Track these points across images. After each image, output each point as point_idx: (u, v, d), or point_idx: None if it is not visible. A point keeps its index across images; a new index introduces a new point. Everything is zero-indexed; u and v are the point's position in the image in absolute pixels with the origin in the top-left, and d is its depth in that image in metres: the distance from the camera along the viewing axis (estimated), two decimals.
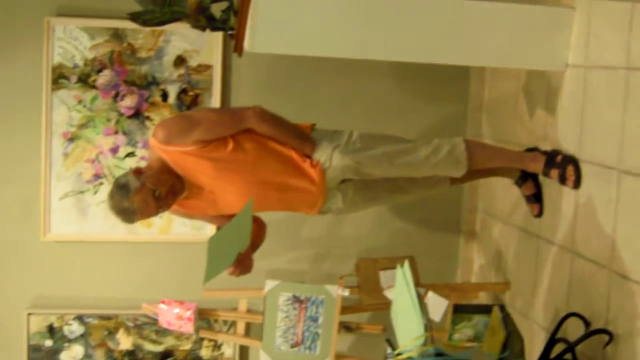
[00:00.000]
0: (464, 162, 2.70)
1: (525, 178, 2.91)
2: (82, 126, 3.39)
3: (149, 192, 2.58)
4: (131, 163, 3.42)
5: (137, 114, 3.42)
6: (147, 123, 3.41)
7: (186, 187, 2.71)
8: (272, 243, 3.32)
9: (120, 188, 2.58)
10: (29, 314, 3.45)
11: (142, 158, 3.42)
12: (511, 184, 2.98)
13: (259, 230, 2.91)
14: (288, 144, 2.72)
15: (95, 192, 3.43)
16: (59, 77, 3.37)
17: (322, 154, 2.72)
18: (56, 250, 3.49)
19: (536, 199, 2.93)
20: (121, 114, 3.42)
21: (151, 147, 2.71)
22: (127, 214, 2.60)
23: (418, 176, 2.82)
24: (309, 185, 2.73)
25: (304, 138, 2.72)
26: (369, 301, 3.36)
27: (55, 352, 3.50)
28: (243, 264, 2.80)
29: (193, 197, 2.75)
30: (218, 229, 3.11)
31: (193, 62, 3.41)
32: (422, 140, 2.81)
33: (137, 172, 2.61)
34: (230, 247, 2.68)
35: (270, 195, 2.76)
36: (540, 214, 2.94)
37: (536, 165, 2.78)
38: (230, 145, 2.67)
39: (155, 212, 2.67)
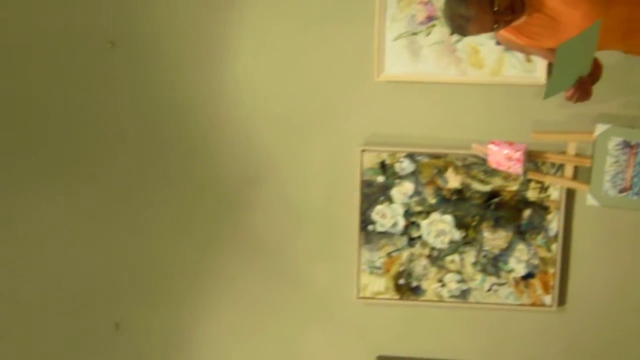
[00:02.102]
0: None
1: None
2: None
3: (488, 2, 3.04)
4: None
5: None
6: None
7: (525, 7, 3.14)
8: (603, 87, 3.81)
9: None
10: (363, 151, 4.38)
11: None
12: None
13: (596, 63, 3.36)
14: None
15: (428, 34, 4.27)
16: None
17: None
18: (389, 90, 4.38)
19: None
20: None
21: None
22: (461, 21, 3.11)
23: None
24: None
25: None
26: None
27: (386, 187, 4.46)
28: (583, 89, 3.28)
29: (531, 21, 3.21)
30: (552, 50, 3.37)
31: None
32: None
33: None
34: (572, 68, 3.14)
35: (616, 27, 3.19)
36: None
37: None
38: None
39: (490, 27, 3.13)
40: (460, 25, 3.17)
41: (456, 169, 4.51)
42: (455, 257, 4.66)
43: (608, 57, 3.69)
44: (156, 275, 5.01)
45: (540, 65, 4.33)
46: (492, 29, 3.20)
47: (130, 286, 5.04)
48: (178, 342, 5.11)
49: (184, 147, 4.81)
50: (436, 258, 4.67)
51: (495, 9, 3.09)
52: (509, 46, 3.61)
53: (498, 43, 4.22)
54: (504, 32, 3.34)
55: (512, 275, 4.63)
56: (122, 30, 4.66)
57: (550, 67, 4.16)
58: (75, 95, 4.86)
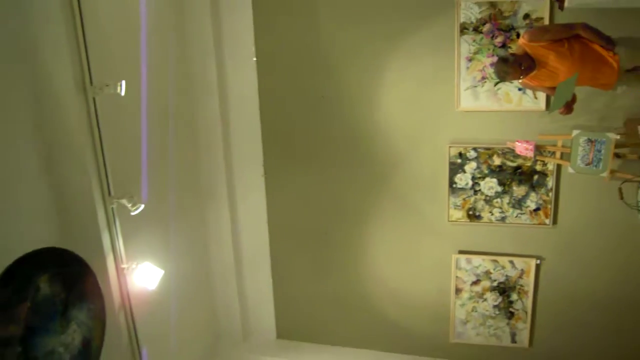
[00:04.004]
0: None
1: None
2: (476, 53, 4.75)
3: (517, 63, 3.58)
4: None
5: (503, 45, 4.67)
6: (509, 50, 4.60)
7: (536, 67, 3.60)
8: (577, 108, 4.12)
9: (503, 59, 3.60)
10: (450, 147, 5.01)
11: None
12: None
13: (574, 95, 3.79)
14: (598, 43, 3.45)
15: (482, 86, 4.82)
16: (463, 29, 4.69)
17: (617, 51, 3.45)
18: (463, 115, 4.96)
19: None
20: (495, 46, 4.70)
21: (519, 45, 3.61)
22: (504, 74, 3.60)
23: None
24: (610, 70, 3.54)
25: (609, 41, 3.52)
26: (630, 141, 4.34)
27: (462, 165, 5.05)
28: (568, 108, 3.80)
29: (540, 73, 3.65)
30: (551, 89, 3.72)
31: (533, 16, 4.54)
32: None
33: (512, 54, 3.62)
34: (562, 97, 3.50)
35: (586, 75, 3.55)
36: None
37: None
38: (566, 44, 3.47)
39: (519, 77, 3.62)
40: (503, 76, 3.67)
41: (498, 154, 4.99)
42: (498, 199, 5.12)
43: (580, 91, 4.16)
44: (348, 208, 5.54)
45: (541, 99, 4.72)
46: (520, 78, 3.68)
47: (333, 212, 5.60)
48: (361, 247, 5.62)
49: (361, 148, 5.35)
50: (488, 200, 5.14)
51: (522, 67, 3.60)
52: (528, 87, 3.96)
53: (520, 89, 4.69)
54: (525, 80, 3.77)
55: (529, 209, 5.07)
56: (329, 89, 5.25)
57: (548, 98, 4.59)
58: (305, 124, 5.44)
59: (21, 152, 3.50)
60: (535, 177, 4.97)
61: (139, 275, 4.40)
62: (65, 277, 2.91)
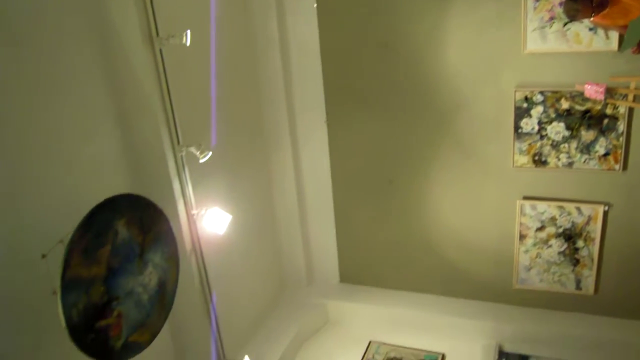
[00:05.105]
0: None
1: None
2: None
3: (588, 0, 3.56)
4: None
5: None
6: None
7: (609, 4, 3.54)
8: None
9: None
10: (515, 90, 4.96)
11: None
12: None
13: None
14: None
15: (551, 27, 4.70)
16: None
17: None
18: (530, 57, 4.88)
19: None
20: None
21: None
22: (574, 12, 3.58)
23: None
24: None
25: None
26: None
27: (528, 109, 5.00)
28: None
29: (611, 11, 3.58)
30: (624, 27, 3.67)
31: None
32: None
33: None
34: (635, 35, 3.49)
35: None
36: None
37: None
38: None
39: (589, 15, 3.55)
40: (573, 14, 3.63)
41: (566, 98, 4.92)
42: (566, 144, 5.10)
43: None
44: (412, 153, 5.65)
45: (613, 39, 4.59)
46: (591, 16, 3.60)
47: (396, 157, 5.69)
48: (424, 192, 5.74)
49: (424, 93, 5.37)
50: (555, 145, 5.13)
51: (594, 5, 3.52)
52: (599, 26, 3.89)
53: (591, 28, 4.56)
54: (597, 18, 3.68)
55: (597, 154, 5.05)
56: (392, 36, 5.31)
57: (621, 37, 4.46)
58: (367, 70, 5.50)
59: (94, 105, 3.81)
60: (605, 121, 4.87)
61: (208, 220, 4.58)
62: (141, 221, 3.13)
